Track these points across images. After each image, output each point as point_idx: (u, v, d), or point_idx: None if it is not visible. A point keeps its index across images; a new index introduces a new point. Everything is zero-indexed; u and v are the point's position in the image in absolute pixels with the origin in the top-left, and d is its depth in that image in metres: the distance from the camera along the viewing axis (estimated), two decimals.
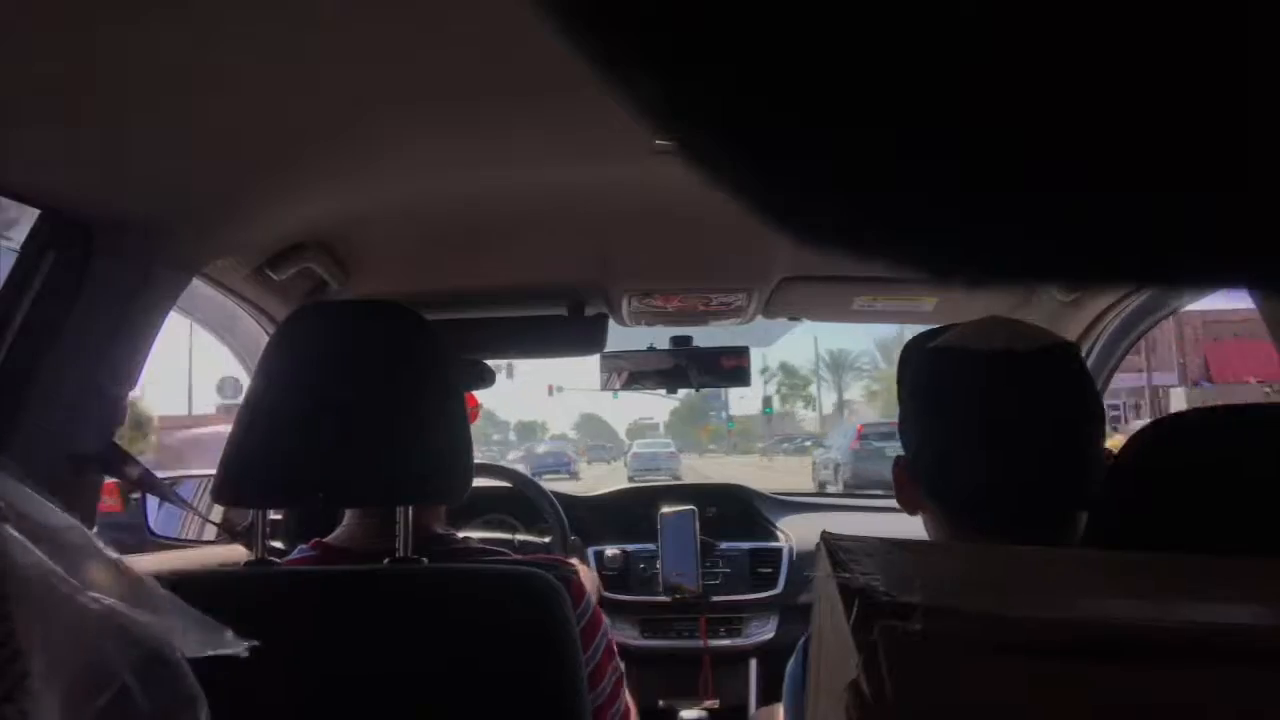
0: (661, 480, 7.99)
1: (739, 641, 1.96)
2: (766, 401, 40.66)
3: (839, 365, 47.85)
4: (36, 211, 0.90)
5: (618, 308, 1.72)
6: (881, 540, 0.40)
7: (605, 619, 0.92)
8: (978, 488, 0.70)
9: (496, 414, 59.35)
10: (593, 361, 1.89)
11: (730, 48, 0.14)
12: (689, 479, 4.39)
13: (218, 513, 1.40)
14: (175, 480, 1.49)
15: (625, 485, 2.45)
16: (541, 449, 32.22)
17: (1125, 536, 0.63)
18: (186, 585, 0.45)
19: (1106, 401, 0.90)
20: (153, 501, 1.41)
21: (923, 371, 0.76)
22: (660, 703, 1.88)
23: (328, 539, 0.94)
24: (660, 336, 1.93)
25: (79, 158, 0.82)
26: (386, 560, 0.83)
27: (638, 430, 53.04)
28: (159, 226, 0.95)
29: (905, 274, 0.18)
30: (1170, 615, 0.30)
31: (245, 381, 1.10)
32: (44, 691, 0.36)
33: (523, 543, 1.85)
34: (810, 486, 12.71)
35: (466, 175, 1.15)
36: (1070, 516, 0.70)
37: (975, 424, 0.70)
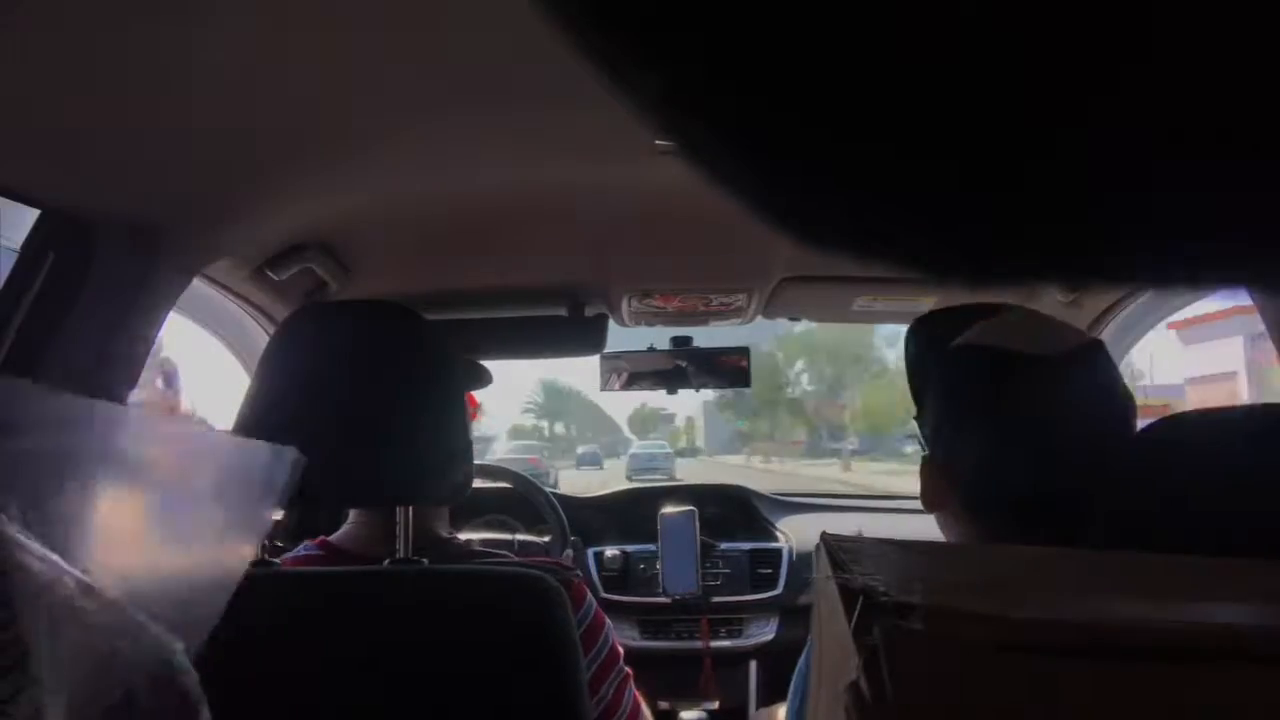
0: (660, 480, 7.99)
1: (739, 642, 1.96)
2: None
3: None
4: (36, 212, 0.90)
5: (617, 308, 1.72)
6: (881, 540, 0.40)
7: (609, 623, 0.91)
8: (1023, 496, 0.67)
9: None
10: (593, 362, 1.89)
11: (730, 48, 0.14)
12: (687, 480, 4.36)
13: None
14: None
15: (625, 485, 2.45)
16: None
17: (1127, 537, 0.63)
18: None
19: None
20: None
21: (956, 372, 0.73)
22: (661, 704, 1.88)
23: (332, 538, 0.94)
24: (660, 337, 1.93)
25: (79, 158, 0.82)
26: (386, 561, 0.83)
27: (650, 420, 47.32)
28: (159, 227, 0.95)
29: (905, 274, 0.18)
30: (1176, 616, 0.30)
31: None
32: (51, 693, 0.36)
33: (522, 543, 1.85)
34: None
35: (467, 175, 1.14)
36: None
37: (1021, 430, 0.67)
